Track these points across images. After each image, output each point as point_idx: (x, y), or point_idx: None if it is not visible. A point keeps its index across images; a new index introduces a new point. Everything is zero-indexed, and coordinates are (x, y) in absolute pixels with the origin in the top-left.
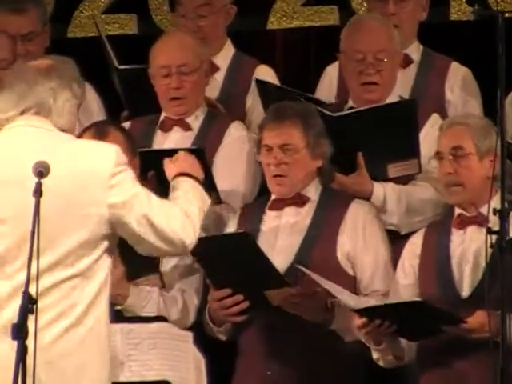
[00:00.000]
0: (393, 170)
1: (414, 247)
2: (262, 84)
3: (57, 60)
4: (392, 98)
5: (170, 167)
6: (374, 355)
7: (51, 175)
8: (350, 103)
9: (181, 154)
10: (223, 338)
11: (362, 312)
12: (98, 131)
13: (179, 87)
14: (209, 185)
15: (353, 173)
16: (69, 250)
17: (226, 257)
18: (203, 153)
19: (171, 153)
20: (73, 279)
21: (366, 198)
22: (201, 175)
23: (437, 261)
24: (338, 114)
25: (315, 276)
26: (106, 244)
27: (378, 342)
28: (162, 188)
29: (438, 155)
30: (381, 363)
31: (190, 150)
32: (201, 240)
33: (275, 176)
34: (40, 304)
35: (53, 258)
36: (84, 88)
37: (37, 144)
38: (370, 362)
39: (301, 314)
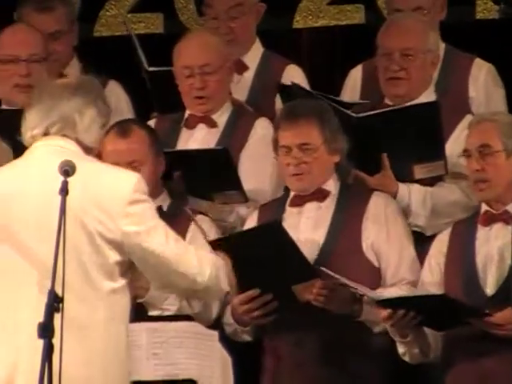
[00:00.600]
0: (419, 171)
1: (440, 245)
2: (285, 87)
3: (83, 78)
4: (426, 96)
5: None
6: (400, 349)
7: (70, 196)
8: (386, 100)
9: None
10: (248, 338)
11: (385, 304)
12: (121, 129)
13: (203, 87)
14: (234, 184)
15: (377, 173)
16: (87, 271)
17: (256, 251)
18: (228, 153)
19: (196, 153)
20: (89, 300)
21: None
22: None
23: (462, 258)
24: (362, 114)
25: (339, 277)
26: (121, 270)
27: (404, 334)
28: (188, 187)
29: (466, 153)
30: (407, 358)
31: (214, 150)
32: (230, 237)
33: (295, 174)
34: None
35: (71, 276)
36: (110, 107)
37: (56, 166)
38: (396, 360)
39: (329, 307)
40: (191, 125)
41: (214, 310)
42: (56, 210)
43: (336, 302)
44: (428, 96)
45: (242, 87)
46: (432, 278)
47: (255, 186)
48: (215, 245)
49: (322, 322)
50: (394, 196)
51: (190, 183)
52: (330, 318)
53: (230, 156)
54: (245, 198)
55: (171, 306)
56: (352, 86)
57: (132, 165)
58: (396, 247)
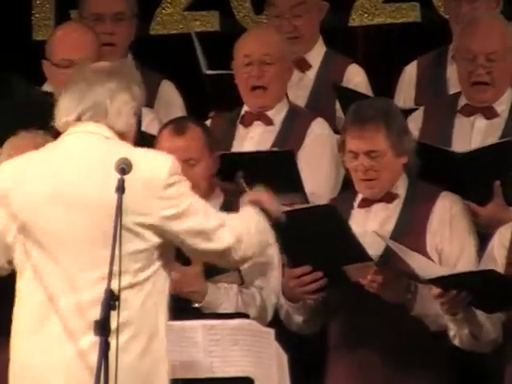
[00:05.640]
0: None
1: (502, 238)
2: (340, 88)
3: (118, 63)
4: (505, 97)
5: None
6: (451, 331)
7: (105, 184)
8: (464, 100)
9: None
10: (300, 318)
11: (436, 282)
12: (177, 126)
13: (260, 75)
14: (296, 186)
15: (486, 202)
16: (125, 258)
17: (309, 230)
18: (293, 155)
19: (258, 155)
20: (128, 289)
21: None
22: (275, 212)
23: None
24: (467, 150)
25: (399, 246)
26: (161, 253)
27: (454, 312)
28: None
29: None
30: (457, 342)
31: (279, 152)
32: (284, 213)
33: (364, 180)
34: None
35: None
36: (144, 91)
37: (92, 152)
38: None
39: (382, 294)
40: (247, 122)
41: (270, 313)
42: (95, 203)
43: (389, 290)
44: (507, 97)
45: (304, 85)
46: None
47: (311, 189)
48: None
49: (386, 323)
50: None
51: (251, 184)
52: (394, 320)
53: (295, 158)
54: (305, 200)
55: (227, 310)
56: (407, 83)
57: (188, 162)
58: (457, 247)
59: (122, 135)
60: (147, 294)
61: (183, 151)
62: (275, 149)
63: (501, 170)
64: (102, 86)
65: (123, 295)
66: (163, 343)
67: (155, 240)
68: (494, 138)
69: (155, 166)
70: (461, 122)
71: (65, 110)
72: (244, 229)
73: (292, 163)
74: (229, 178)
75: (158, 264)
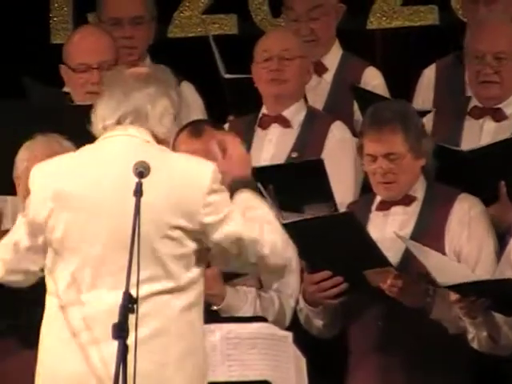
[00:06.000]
0: None
1: None
2: (358, 90)
3: (154, 68)
4: None
5: (221, 161)
6: (469, 334)
7: (147, 188)
8: (473, 103)
9: (230, 141)
10: (320, 323)
11: (454, 289)
12: (194, 129)
13: (280, 69)
14: (327, 194)
15: (491, 202)
16: (164, 263)
17: (328, 237)
18: (322, 164)
19: (287, 168)
20: (167, 293)
21: (510, 225)
22: (249, 174)
23: None
24: (474, 148)
25: (418, 246)
26: (198, 258)
27: (473, 315)
28: (280, 199)
29: None
30: (475, 345)
31: (309, 162)
32: (300, 221)
33: (383, 183)
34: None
35: (148, 271)
36: (181, 97)
37: (133, 155)
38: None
39: (401, 299)
40: (265, 124)
41: (288, 317)
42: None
43: (409, 294)
44: None
45: (321, 89)
46: (510, 271)
47: (335, 196)
48: (289, 227)
49: (406, 326)
50: None
51: (281, 196)
52: (414, 323)
53: (324, 167)
54: (334, 208)
55: (246, 314)
56: (426, 86)
57: None
58: (475, 248)
59: (161, 141)
60: (185, 302)
61: (201, 154)
62: (305, 159)
63: (507, 169)
64: (140, 92)
65: (159, 300)
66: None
67: (193, 246)
68: None
69: (199, 171)
70: (470, 125)
71: (103, 116)
72: (277, 238)
73: (322, 172)
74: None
75: (196, 270)
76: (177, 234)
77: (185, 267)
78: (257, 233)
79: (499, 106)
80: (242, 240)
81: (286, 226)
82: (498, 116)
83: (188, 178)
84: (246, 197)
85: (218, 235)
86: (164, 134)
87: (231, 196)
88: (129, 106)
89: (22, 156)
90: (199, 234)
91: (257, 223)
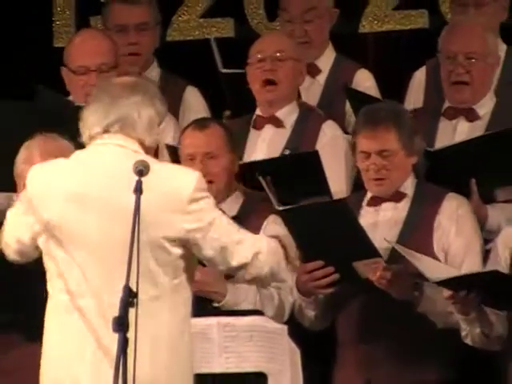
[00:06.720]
0: (501, 194)
1: (506, 239)
2: (351, 91)
3: (139, 77)
4: (488, 100)
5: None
6: (463, 331)
7: (130, 195)
8: (447, 103)
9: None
10: (312, 313)
11: (444, 285)
12: (199, 124)
13: (273, 69)
14: (322, 188)
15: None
16: (149, 270)
17: (319, 225)
18: (318, 156)
19: (284, 159)
20: (154, 300)
21: (482, 224)
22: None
23: None
24: (441, 147)
25: (410, 252)
26: (184, 263)
27: (467, 311)
28: (279, 190)
29: None
30: (469, 341)
31: (303, 154)
32: (294, 208)
33: (375, 179)
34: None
35: (133, 278)
36: (166, 106)
37: (120, 164)
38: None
39: (390, 291)
40: (259, 125)
41: (287, 312)
42: (119, 210)
43: (398, 287)
44: (489, 100)
45: (314, 90)
46: (498, 267)
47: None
48: (284, 214)
49: (392, 317)
50: (485, 220)
51: (277, 190)
52: (401, 314)
53: (320, 160)
54: None
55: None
56: (416, 87)
57: (208, 155)
58: (463, 245)
59: (148, 150)
60: (172, 305)
61: (203, 145)
62: (300, 151)
63: (477, 167)
64: (127, 100)
65: (148, 306)
66: (187, 354)
67: (178, 252)
68: None
69: (181, 180)
70: (444, 125)
71: (90, 124)
72: (262, 248)
73: (317, 164)
74: (251, 184)
75: (183, 276)
76: (162, 241)
77: (171, 273)
78: (240, 238)
79: (472, 106)
80: (225, 248)
81: (281, 213)
82: (471, 116)
83: (172, 188)
84: None
85: (200, 241)
86: (150, 143)
87: None
88: (115, 114)
89: (21, 155)
90: (184, 241)
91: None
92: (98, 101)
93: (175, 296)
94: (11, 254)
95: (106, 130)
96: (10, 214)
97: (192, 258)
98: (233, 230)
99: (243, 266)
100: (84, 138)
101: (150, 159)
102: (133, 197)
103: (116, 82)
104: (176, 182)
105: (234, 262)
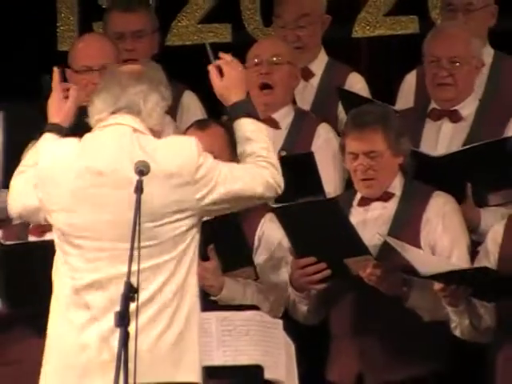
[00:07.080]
0: (493, 198)
1: (496, 235)
2: (343, 92)
3: (146, 65)
4: (471, 102)
5: (217, 83)
6: (452, 323)
7: (131, 177)
8: (432, 104)
9: (225, 60)
10: (305, 308)
11: (435, 278)
12: (201, 124)
13: (269, 73)
14: (317, 188)
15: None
16: (168, 238)
17: (312, 223)
18: (313, 157)
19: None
20: (167, 263)
21: (475, 226)
22: (245, 93)
23: None
24: (439, 155)
25: (402, 244)
26: (196, 230)
27: (456, 304)
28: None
29: None
30: (458, 332)
31: (299, 155)
32: (288, 206)
33: (363, 179)
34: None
35: (153, 245)
36: (170, 90)
37: (124, 144)
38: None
39: (379, 287)
40: None
41: (282, 308)
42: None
43: (387, 283)
44: (472, 102)
45: (307, 93)
46: (488, 263)
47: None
48: (278, 212)
49: (384, 312)
50: (478, 223)
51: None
52: (392, 309)
53: (315, 161)
54: None
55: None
56: (407, 90)
57: None
58: (449, 241)
59: (152, 132)
60: (182, 268)
61: (204, 144)
62: (296, 152)
63: (473, 173)
64: (134, 88)
65: (160, 269)
66: (193, 328)
67: (193, 221)
68: (459, 142)
69: (182, 153)
70: (430, 126)
71: (100, 108)
72: (268, 174)
73: (312, 165)
74: None
75: (193, 239)
76: (177, 214)
77: (184, 240)
78: (249, 179)
79: (456, 107)
80: (236, 194)
81: (275, 211)
82: (455, 117)
83: (177, 161)
84: (244, 125)
85: (211, 200)
86: (156, 126)
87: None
88: (123, 102)
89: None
90: (196, 208)
91: (248, 170)
92: (108, 88)
93: (182, 260)
94: (15, 215)
95: (113, 113)
96: (19, 179)
97: (200, 224)
98: (236, 176)
99: (258, 196)
100: (92, 121)
101: (149, 137)
102: (132, 183)
103: (124, 70)
104: (178, 158)
105: (249, 199)
